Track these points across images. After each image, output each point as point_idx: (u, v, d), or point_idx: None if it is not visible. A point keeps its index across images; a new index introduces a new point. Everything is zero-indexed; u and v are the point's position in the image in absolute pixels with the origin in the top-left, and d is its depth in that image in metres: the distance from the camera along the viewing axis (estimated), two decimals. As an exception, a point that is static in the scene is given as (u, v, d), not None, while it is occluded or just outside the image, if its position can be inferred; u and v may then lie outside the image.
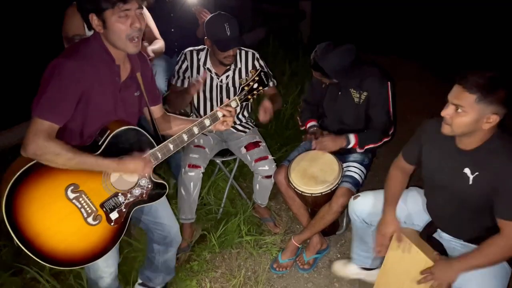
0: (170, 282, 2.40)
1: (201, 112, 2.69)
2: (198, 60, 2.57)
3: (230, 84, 2.60)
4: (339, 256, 2.69)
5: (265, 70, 1.92)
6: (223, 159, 2.85)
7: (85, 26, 2.43)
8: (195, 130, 1.82)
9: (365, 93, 2.40)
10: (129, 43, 1.59)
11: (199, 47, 2.59)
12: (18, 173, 1.49)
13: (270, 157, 2.63)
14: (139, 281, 2.32)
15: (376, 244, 2.04)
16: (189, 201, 2.55)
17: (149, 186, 1.82)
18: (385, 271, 2.11)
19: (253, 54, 2.62)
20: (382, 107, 2.40)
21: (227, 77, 2.59)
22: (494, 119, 1.57)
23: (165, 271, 2.25)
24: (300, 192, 2.35)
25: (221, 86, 2.61)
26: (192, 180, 2.48)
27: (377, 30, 5.69)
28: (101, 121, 1.68)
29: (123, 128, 1.67)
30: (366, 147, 2.44)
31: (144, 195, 1.82)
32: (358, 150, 2.45)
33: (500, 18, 5.50)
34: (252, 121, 2.86)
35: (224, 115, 1.86)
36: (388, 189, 2.03)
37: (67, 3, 2.50)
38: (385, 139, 2.44)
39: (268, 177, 2.60)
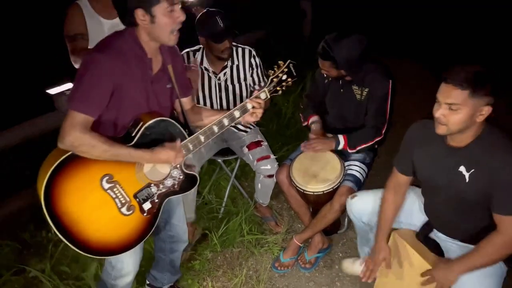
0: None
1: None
2: (195, 60, 2.58)
3: (229, 82, 2.61)
4: (341, 255, 2.69)
5: (294, 62, 1.93)
6: (225, 159, 2.84)
7: (87, 24, 2.46)
8: (225, 121, 1.83)
9: (366, 90, 2.39)
10: (172, 36, 1.63)
11: (195, 47, 2.60)
12: (56, 164, 1.52)
13: (272, 156, 2.63)
14: (147, 282, 2.33)
15: (365, 269, 2.05)
16: (187, 200, 2.55)
17: (181, 177, 1.84)
18: (383, 271, 2.11)
19: (250, 51, 2.63)
20: (380, 105, 2.38)
21: (224, 74, 2.59)
22: (487, 110, 1.57)
23: (171, 271, 2.26)
24: (302, 191, 2.35)
25: (219, 85, 2.61)
26: None
27: (378, 30, 5.67)
28: (134, 113, 1.70)
29: (155, 119, 1.68)
30: (358, 148, 2.41)
31: (176, 186, 1.83)
32: (350, 150, 2.43)
33: (500, 17, 5.50)
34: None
35: (253, 107, 1.85)
36: (380, 215, 2.02)
37: (67, 2, 2.51)
38: (378, 138, 2.40)
39: (270, 176, 2.60)
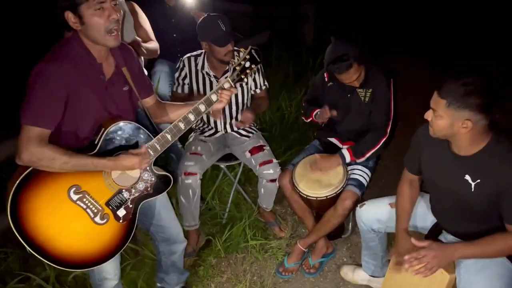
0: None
1: (204, 117, 2.69)
2: (196, 65, 2.58)
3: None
4: (345, 259, 2.67)
5: (256, 47, 1.94)
6: (228, 164, 2.84)
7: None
8: (191, 117, 1.80)
9: (370, 90, 2.39)
10: (109, 37, 1.56)
11: (196, 52, 2.61)
12: (18, 181, 1.49)
13: (274, 160, 2.62)
14: (158, 285, 2.33)
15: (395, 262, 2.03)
16: (190, 208, 2.55)
17: (153, 179, 1.81)
18: (390, 275, 2.09)
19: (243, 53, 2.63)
20: (383, 104, 2.38)
21: (226, 78, 2.59)
22: (468, 124, 1.57)
23: (176, 271, 2.26)
24: (305, 196, 2.35)
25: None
26: (190, 187, 2.48)
27: (380, 31, 5.68)
28: (92, 120, 1.67)
29: (115, 123, 1.66)
30: (367, 155, 2.39)
31: (149, 189, 1.81)
32: (359, 160, 2.41)
33: (502, 17, 5.47)
34: (255, 125, 2.86)
35: (218, 99, 1.86)
36: (398, 207, 2.01)
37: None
38: (383, 139, 2.39)
39: (273, 181, 2.59)
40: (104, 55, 1.66)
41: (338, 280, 2.53)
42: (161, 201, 1.99)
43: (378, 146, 2.39)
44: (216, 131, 2.74)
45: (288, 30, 4.89)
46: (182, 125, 1.78)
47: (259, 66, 2.65)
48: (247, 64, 1.93)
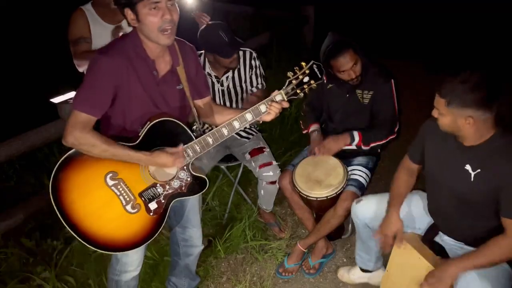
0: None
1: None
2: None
3: (231, 86, 2.62)
4: (345, 260, 2.68)
5: (318, 63, 1.80)
6: (228, 165, 2.85)
7: (90, 29, 2.50)
8: (236, 124, 1.76)
9: (370, 93, 2.39)
10: (161, 35, 1.60)
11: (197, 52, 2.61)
12: (61, 160, 1.59)
13: (274, 162, 2.63)
14: None
15: (381, 244, 2.05)
16: None
17: (189, 179, 1.82)
18: (388, 276, 2.10)
19: (251, 53, 2.65)
20: (387, 105, 2.39)
21: (227, 78, 2.61)
22: (471, 121, 1.60)
23: (189, 276, 2.28)
24: (305, 197, 2.35)
25: (222, 91, 2.62)
26: None
27: (380, 33, 5.69)
28: (140, 114, 1.71)
29: (159, 119, 1.70)
30: (372, 144, 2.42)
31: (183, 188, 1.83)
32: (363, 147, 2.42)
33: (501, 18, 5.49)
34: (256, 126, 2.86)
35: (267, 111, 1.77)
36: (393, 190, 2.04)
37: (72, 9, 2.54)
38: (391, 137, 2.43)
39: (273, 183, 2.60)
40: (159, 52, 1.70)
41: (338, 281, 2.53)
42: (192, 203, 2.03)
43: (384, 141, 2.43)
44: None
45: (288, 32, 4.90)
46: (225, 131, 1.76)
47: (258, 64, 2.66)
48: (306, 79, 1.77)
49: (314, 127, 2.62)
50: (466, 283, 1.70)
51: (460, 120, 1.62)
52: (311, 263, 2.58)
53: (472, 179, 1.69)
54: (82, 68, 2.46)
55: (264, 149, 2.67)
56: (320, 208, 2.47)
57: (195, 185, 1.85)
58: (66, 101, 2.51)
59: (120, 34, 2.43)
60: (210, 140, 1.76)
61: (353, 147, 2.45)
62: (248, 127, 2.77)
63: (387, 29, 5.89)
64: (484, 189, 1.66)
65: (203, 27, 2.48)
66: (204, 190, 1.89)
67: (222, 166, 2.87)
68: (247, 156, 2.66)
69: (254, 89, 2.69)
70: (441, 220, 1.95)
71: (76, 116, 1.57)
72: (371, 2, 6.41)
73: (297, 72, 1.78)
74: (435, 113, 1.71)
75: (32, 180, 3.14)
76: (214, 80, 2.60)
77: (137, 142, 1.68)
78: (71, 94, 2.57)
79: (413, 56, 5.15)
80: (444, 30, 5.75)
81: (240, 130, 2.71)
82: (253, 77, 2.67)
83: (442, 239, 1.97)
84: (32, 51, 5.03)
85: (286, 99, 1.79)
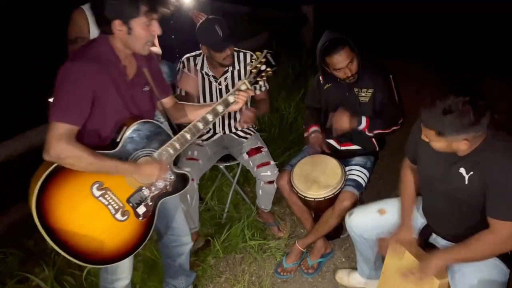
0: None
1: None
2: (195, 65, 2.60)
3: (230, 87, 2.62)
4: (343, 260, 2.68)
5: (271, 51, 2.01)
6: (226, 164, 2.85)
7: (90, 29, 2.49)
8: (209, 117, 1.85)
9: (370, 90, 2.39)
10: (146, 46, 1.66)
11: (196, 52, 2.62)
12: (44, 176, 1.53)
13: (272, 162, 2.63)
14: None
15: (382, 246, 2.04)
16: (190, 211, 2.56)
17: (172, 177, 1.86)
18: (384, 279, 2.10)
19: (251, 55, 2.65)
20: (389, 99, 2.39)
21: (225, 79, 2.61)
22: (467, 142, 1.57)
23: (184, 274, 2.27)
24: (303, 197, 2.35)
25: (220, 90, 2.62)
26: (187, 192, 2.49)
27: (380, 33, 5.69)
28: (114, 119, 1.71)
29: (137, 122, 1.70)
30: (376, 132, 2.41)
31: (168, 187, 1.85)
32: (368, 133, 2.41)
33: (500, 17, 5.49)
34: (254, 126, 2.86)
35: (235, 100, 1.91)
36: (403, 191, 2.02)
37: (72, 9, 2.54)
38: (395, 127, 2.42)
39: (271, 182, 2.60)
40: (128, 56, 1.72)
41: (336, 281, 2.53)
42: (173, 203, 2.03)
43: (388, 131, 2.42)
44: (214, 133, 2.75)
45: (287, 32, 4.90)
46: (200, 125, 1.83)
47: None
48: (263, 67, 1.97)
49: (313, 128, 2.62)
50: (462, 281, 1.71)
51: (455, 144, 1.59)
52: (309, 262, 2.58)
53: (466, 182, 1.68)
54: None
55: (262, 149, 2.67)
56: (318, 208, 2.47)
57: (179, 182, 1.88)
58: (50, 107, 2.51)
59: None
60: (188, 135, 1.81)
61: (357, 130, 2.43)
62: (245, 127, 2.77)
63: (387, 28, 5.89)
64: (478, 190, 1.66)
65: (202, 21, 2.49)
66: (188, 186, 1.92)
67: (221, 166, 2.87)
68: (245, 156, 2.66)
69: (258, 92, 2.69)
70: (434, 221, 1.94)
71: (58, 128, 1.52)
72: (370, 2, 6.41)
73: (255, 62, 1.99)
74: (425, 139, 1.67)
75: (31, 180, 3.13)
76: (212, 79, 2.60)
77: (117, 149, 1.67)
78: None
79: (413, 56, 5.15)
80: (443, 30, 5.75)
81: (239, 130, 2.75)
82: None
83: (436, 240, 1.96)
84: (32, 51, 5.03)
85: (250, 87, 1.96)
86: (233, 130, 2.75)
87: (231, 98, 1.89)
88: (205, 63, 2.59)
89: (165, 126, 2.35)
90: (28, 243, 2.66)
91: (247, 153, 2.65)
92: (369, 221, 2.10)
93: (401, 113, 2.43)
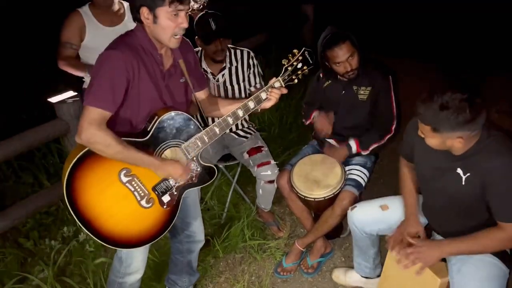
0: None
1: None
2: None
3: (228, 83, 2.63)
4: (343, 259, 2.67)
5: (309, 49, 1.94)
6: (226, 164, 2.85)
7: (86, 32, 2.50)
8: (240, 113, 1.84)
9: (368, 88, 2.38)
10: (173, 39, 1.65)
11: (195, 49, 2.62)
12: (75, 159, 1.58)
13: (272, 162, 2.62)
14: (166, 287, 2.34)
15: (393, 240, 1.98)
16: None
17: (198, 169, 1.88)
18: (385, 278, 2.10)
19: (248, 53, 2.65)
20: (385, 101, 2.38)
21: (223, 75, 2.61)
22: (461, 140, 1.58)
23: (189, 272, 2.28)
24: (303, 197, 2.35)
25: (218, 86, 2.63)
26: None
27: (380, 32, 5.68)
28: (148, 109, 1.73)
29: (168, 113, 1.72)
30: (372, 147, 2.41)
31: (194, 178, 1.88)
32: (364, 152, 2.43)
33: (501, 16, 5.48)
34: (254, 126, 2.86)
35: (268, 97, 1.87)
36: (404, 188, 2.02)
37: (70, 10, 2.55)
38: (388, 135, 2.41)
39: (271, 182, 2.60)
40: (164, 47, 1.73)
41: (335, 280, 2.53)
42: (192, 198, 2.05)
43: (383, 142, 2.42)
44: None
45: (287, 31, 4.89)
46: (230, 120, 1.83)
47: (256, 63, 2.67)
48: (299, 65, 1.91)
49: (316, 113, 2.59)
50: (460, 283, 1.71)
51: (449, 141, 1.60)
52: (309, 262, 2.58)
53: (463, 183, 1.68)
54: (64, 69, 2.52)
55: (262, 148, 2.67)
56: (318, 208, 2.47)
57: (205, 175, 1.92)
58: (63, 101, 2.52)
59: None
60: (216, 129, 1.82)
61: (353, 153, 2.45)
62: (246, 126, 2.77)
63: (387, 28, 5.88)
64: (475, 191, 1.66)
65: (201, 14, 2.50)
66: (214, 178, 1.96)
67: (221, 166, 2.87)
68: (245, 155, 2.65)
69: (253, 88, 2.69)
70: (434, 219, 1.95)
71: (90, 112, 1.55)
72: (371, 1, 6.40)
73: (291, 59, 1.90)
74: (421, 134, 1.68)
75: (30, 180, 3.13)
76: (210, 76, 2.61)
77: (147, 137, 1.70)
78: (69, 94, 2.57)
79: (413, 56, 5.15)
80: (443, 29, 5.74)
81: (238, 129, 2.75)
82: (251, 76, 2.67)
83: (436, 238, 1.96)
84: (31, 50, 5.02)
85: (284, 85, 1.90)
86: (234, 129, 2.75)
87: (263, 95, 1.85)
88: (203, 60, 2.60)
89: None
90: (27, 243, 2.66)
91: (247, 152, 2.65)
92: (371, 216, 2.09)
93: (395, 117, 2.41)
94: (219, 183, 3.12)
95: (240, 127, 2.77)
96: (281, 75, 1.90)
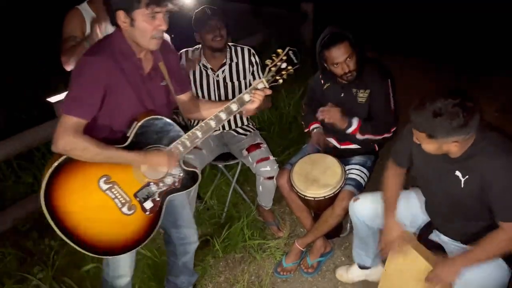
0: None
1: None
2: (193, 57, 2.60)
3: (228, 80, 2.63)
4: (343, 259, 2.67)
5: (294, 49, 1.87)
6: (226, 164, 2.84)
7: (86, 28, 2.49)
8: (223, 115, 1.80)
9: (367, 91, 2.38)
10: (152, 41, 1.63)
11: (194, 47, 2.65)
12: (53, 167, 1.56)
13: (271, 157, 2.62)
14: None
15: (383, 250, 2.03)
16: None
17: (181, 174, 1.85)
18: (386, 275, 2.10)
19: (249, 50, 2.65)
20: (384, 104, 2.38)
21: (223, 71, 2.61)
22: (457, 144, 1.58)
23: (187, 274, 2.27)
24: (303, 196, 2.34)
25: (218, 82, 2.63)
26: None
27: (380, 30, 5.67)
28: (128, 114, 1.71)
29: (147, 118, 1.69)
30: (366, 136, 2.39)
31: (176, 184, 1.85)
32: (358, 136, 2.40)
33: (501, 15, 5.47)
34: (253, 124, 2.86)
35: (251, 99, 1.82)
36: (385, 195, 2.03)
37: (69, 8, 2.53)
38: (386, 135, 2.42)
39: (270, 178, 2.59)
40: (144, 50, 1.71)
41: (336, 280, 2.52)
42: (181, 200, 2.03)
43: (379, 137, 2.42)
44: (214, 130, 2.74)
45: (287, 29, 4.88)
46: (213, 123, 1.80)
47: (258, 61, 2.66)
48: (283, 65, 1.83)
49: (315, 125, 2.62)
50: (462, 283, 1.70)
51: (445, 146, 1.61)
52: (309, 262, 2.58)
53: (462, 185, 1.69)
54: (68, 65, 2.48)
55: (261, 145, 2.67)
56: (318, 208, 2.46)
57: (188, 179, 1.87)
58: (62, 101, 2.51)
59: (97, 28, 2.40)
60: (199, 133, 1.78)
61: (349, 131, 2.40)
62: (245, 124, 2.76)
63: (387, 27, 5.86)
64: (475, 192, 1.67)
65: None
66: (197, 183, 1.91)
67: (220, 165, 2.86)
68: (244, 152, 2.65)
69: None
70: (437, 218, 1.95)
71: (66, 120, 1.55)
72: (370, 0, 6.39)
73: (275, 59, 1.83)
74: (416, 141, 1.68)
75: (29, 180, 3.13)
76: (210, 72, 2.61)
77: (127, 143, 1.67)
78: (68, 94, 2.56)
79: (413, 55, 5.13)
80: (443, 29, 5.73)
81: (238, 127, 2.74)
82: (255, 74, 2.67)
83: (440, 237, 1.97)
84: (31, 50, 5.02)
85: (268, 86, 1.84)
86: (233, 127, 2.75)
87: (246, 97, 1.81)
88: (203, 56, 2.60)
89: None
90: (27, 243, 2.66)
91: (246, 149, 2.65)
92: (373, 210, 2.09)
93: (394, 120, 2.41)
94: (219, 182, 3.11)
95: (239, 124, 2.76)
96: (264, 75, 1.85)
